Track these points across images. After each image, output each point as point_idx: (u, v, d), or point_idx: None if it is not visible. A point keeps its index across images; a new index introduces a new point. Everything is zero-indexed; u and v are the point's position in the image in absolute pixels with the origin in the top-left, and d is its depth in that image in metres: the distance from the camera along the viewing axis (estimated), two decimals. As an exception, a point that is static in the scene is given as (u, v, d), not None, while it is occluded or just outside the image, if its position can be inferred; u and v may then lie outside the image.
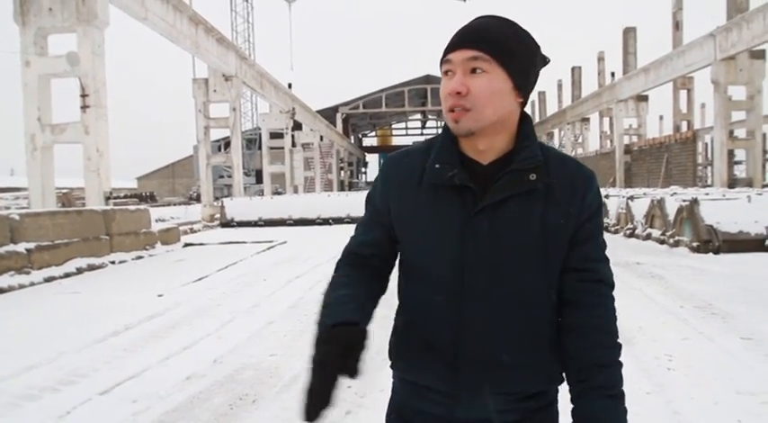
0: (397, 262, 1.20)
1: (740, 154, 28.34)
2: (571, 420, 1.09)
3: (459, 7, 47.89)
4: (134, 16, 13.95)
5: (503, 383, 1.08)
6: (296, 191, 33.21)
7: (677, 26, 30.47)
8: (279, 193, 32.08)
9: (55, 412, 3.16)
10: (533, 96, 52.65)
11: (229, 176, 36.42)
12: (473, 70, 1.03)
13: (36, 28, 11.88)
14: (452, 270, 1.06)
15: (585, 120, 43.54)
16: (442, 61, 1.07)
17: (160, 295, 6.63)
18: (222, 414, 3.15)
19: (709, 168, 33.14)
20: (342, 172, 54.76)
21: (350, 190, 48.98)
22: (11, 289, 7.33)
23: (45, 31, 12.08)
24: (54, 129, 12.35)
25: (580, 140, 45.59)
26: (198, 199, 30.60)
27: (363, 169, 71.38)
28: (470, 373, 1.07)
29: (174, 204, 35.15)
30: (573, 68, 46.96)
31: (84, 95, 12.08)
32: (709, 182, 31.16)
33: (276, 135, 32.16)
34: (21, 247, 8.01)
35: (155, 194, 43.50)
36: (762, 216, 9.33)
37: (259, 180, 39.86)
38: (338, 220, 19.14)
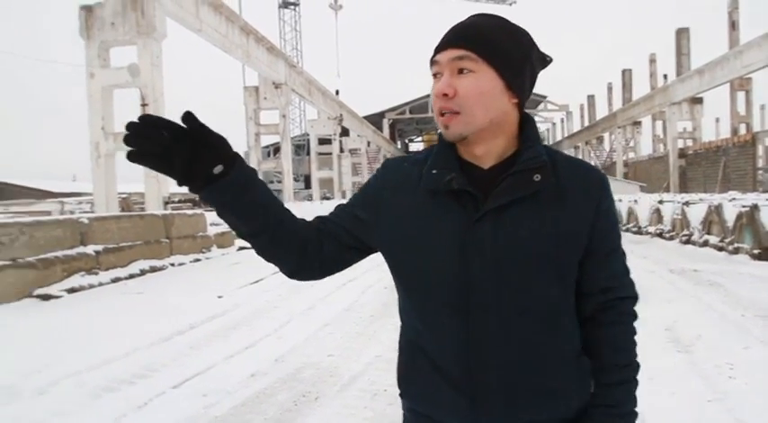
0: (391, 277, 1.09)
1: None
2: None
3: (505, 11, 47.62)
4: (189, 28, 14.52)
5: (525, 412, 0.97)
6: (344, 196, 33.61)
7: (733, 26, 29.58)
8: (327, 199, 32.55)
9: (134, 403, 3.38)
10: (582, 100, 51.71)
11: (279, 182, 37.16)
12: (460, 71, 0.97)
13: (99, 42, 12.53)
14: (455, 283, 0.96)
15: (637, 123, 42.51)
16: (431, 63, 1.01)
17: (220, 297, 6.90)
18: (287, 410, 3.31)
19: (770, 173, 31.85)
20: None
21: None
22: (81, 288, 7.74)
23: (107, 44, 12.73)
24: (116, 137, 12.95)
25: (631, 144, 44.53)
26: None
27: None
28: (488, 403, 0.96)
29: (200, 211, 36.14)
30: (623, 71, 45.97)
31: (144, 104, 12.63)
32: (769, 187, 29.99)
33: (324, 141, 32.71)
34: (90, 250, 8.46)
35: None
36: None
37: (307, 185, 40.54)
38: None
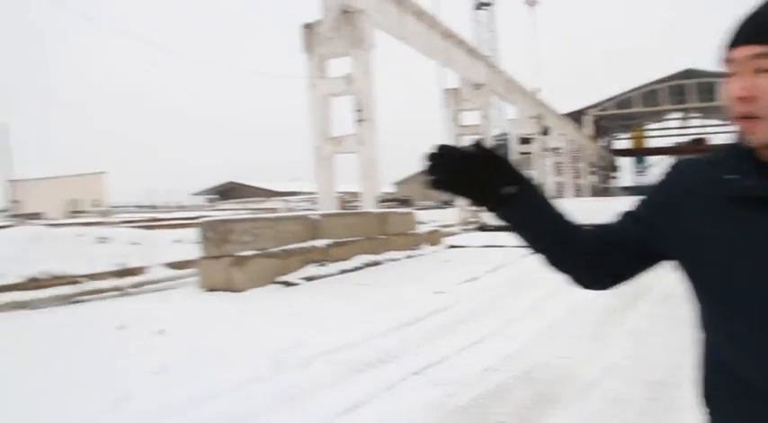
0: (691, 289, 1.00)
1: None
2: None
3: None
4: (395, 36, 15.30)
5: None
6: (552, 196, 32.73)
7: None
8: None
9: (382, 384, 3.69)
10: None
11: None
12: (762, 70, 0.86)
13: (318, 55, 13.77)
14: (762, 296, 0.88)
15: None
16: (724, 60, 0.91)
17: (440, 292, 7.17)
18: (525, 407, 3.34)
19: None
20: (593, 176, 52.17)
21: (604, 195, 46.40)
22: (315, 278, 8.62)
23: (325, 57, 13.94)
24: (334, 141, 14.14)
25: None
26: (452, 203, 31.98)
27: (612, 174, 66.96)
28: None
29: (429, 208, 37.23)
30: None
31: (358, 110, 13.60)
32: None
33: (524, 140, 32.09)
34: (321, 243, 9.38)
35: (411, 198, 46.61)
36: None
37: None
38: (594, 227, 18.34)
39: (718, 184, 0.93)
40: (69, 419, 3.21)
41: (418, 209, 35.38)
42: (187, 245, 10.70)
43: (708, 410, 0.98)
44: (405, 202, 41.56)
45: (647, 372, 3.89)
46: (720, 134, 65.59)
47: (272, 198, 44.80)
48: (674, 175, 1.02)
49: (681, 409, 3.12)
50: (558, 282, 4.90)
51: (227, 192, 59.13)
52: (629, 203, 1.06)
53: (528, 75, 41.50)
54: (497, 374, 3.92)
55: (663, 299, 6.44)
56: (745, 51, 0.87)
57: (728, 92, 0.89)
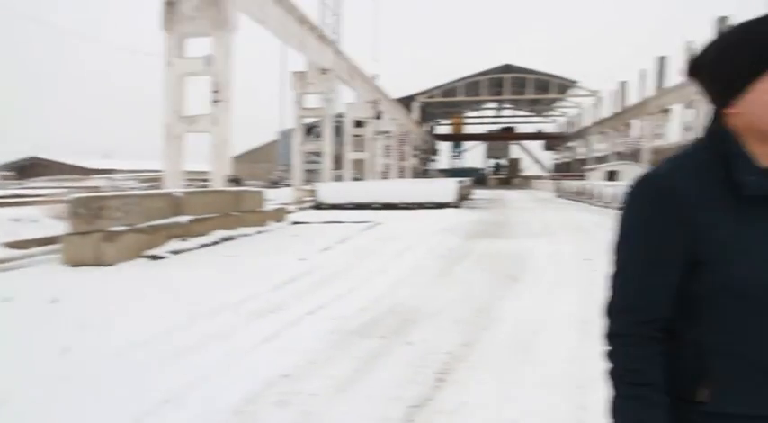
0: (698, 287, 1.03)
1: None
2: None
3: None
4: (256, 20, 15.83)
5: None
6: (375, 177, 34.92)
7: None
8: (357, 179, 33.87)
9: (286, 322, 4.79)
10: (615, 85, 52.11)
11: (311, 162, 38.59)
12: None
13: (178, 34, 13.90)
14: None
15: (667, 111, 42.86)
16: None
17: (302, 259, 8.29)
18: (396, 327, 4.67)
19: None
20: (415, 159, 56.17)
21: (423, 177, 50.35)
22: (179, 252, 9.21)
23: (185, 35, 14.09)
24: (188, 120, 14.40)
25: (660, 132, 44.89)
26: (280, 183, 32.86)
27: (433, 157, 72.55)
28: None
29: (260, 188, 37.63)
30: (660, 58, 45.94)
31: (215, 91, 14.03)
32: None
33: (358, 123, 33.91)
34: (183, 219, 9.93)
35: (241, 178, 46.34)
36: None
37: (337, 166, 41.90)
38: (420, 206, 20.58)
39: (737, 186, 0.98)
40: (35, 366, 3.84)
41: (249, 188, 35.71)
42: (29, 224, 10.55)
43: (714, 396, 1.01)
44: (235, 181, 41.29)
45: (473, 303, 5.49)
46: (525, 124, 74.25)
47: (92, 176, 41.65)
48: (659, 194, 1.02)
49: (494, 322, 4.68)
50: (398, 249, 6.68)
51: (29, 168, 52.88)
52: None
53: (369, 61, 43.30)
54: (370, 311, 5.22)
55: (478, 258, 8.31)
56: None
57: None
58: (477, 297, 5.75)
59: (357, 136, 34.99)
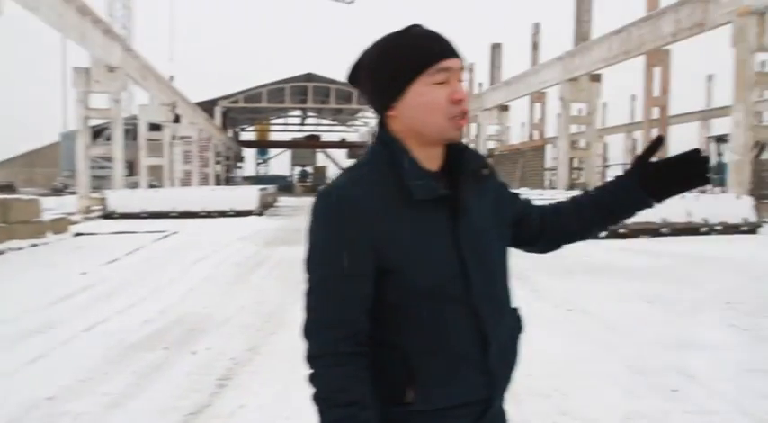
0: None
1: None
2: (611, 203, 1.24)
3: (342, 9, 49.36)
4: (25, 6, 14.11)
5: (514, 358, 1.17)
6: (174, 184, 33.17)
7: (535, 47, 34.40)
8: (154, 187, 31.87)
9: (61, 339, 4.43)
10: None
11: (101, 168, 35.38)
12: (460, 79, 1.06)
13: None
14: (458, 278, 1.05)
15: (506, 108, 46.97)
16: (435, 68, 1.03)
17: (84, 273, 7.65)
18: (181, 338, 4.59)
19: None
20: (218, 166, 54.38)
21: (226, 184, 48.99)
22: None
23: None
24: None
25: (492, 132, 49.02)
26: (65, 190, 29.59)
27: (240, 163, 70.98)
28: (497, 369, 1.09)
29: (40, 196, 33.49)
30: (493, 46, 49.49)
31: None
32: (554, 185, 35.46)
33: (153, 127, 31.92)
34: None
35: (13, 184, 40.73)
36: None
37: (132, 172, 38.98)
38: (222, 214, 20.08)
39: (405, 192, 1.03)
40: None
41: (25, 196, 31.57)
42: None
43: (414, 394, 1.04)
44: (7, 188, 36.26)
45: (263, 308, 5.59)
46: (330, 132, 76.16)
47: None
48: (341, 207, 1.02)
49: (283, 327, 4.84)
50: (193, 259, 6.66)
51: None
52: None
53: (164, 61, 40.86)
54: (155, 323, 5.04)
55: (275, 265, 8.44)
56: (458, 63, 1.05)
57: (451, 95, 1.03)
58: (268, 303, 5.86)
59: (154, 140, 32.91)
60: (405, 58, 1.03)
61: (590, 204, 1.26)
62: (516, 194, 1.26)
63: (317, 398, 1.03)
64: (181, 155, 36.97)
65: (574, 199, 1.29)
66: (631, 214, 1.26)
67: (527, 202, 1.29)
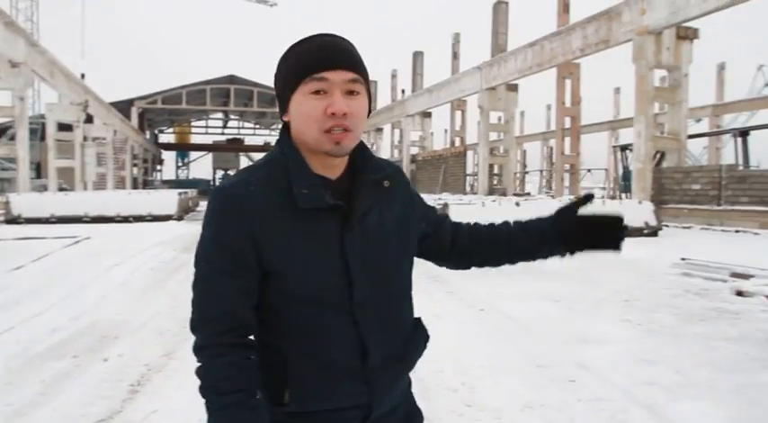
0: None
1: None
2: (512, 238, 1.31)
3: (265, 10, 48.67)
4: None
5: (403, 370, 1.17)
6: (86, 187, 31.59)
7: (455, 56, 35.37)
8: (64, 190, 30.24)
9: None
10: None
11: (4, 169, 33.19)
12: (350, 92, 1.04)
13: None
14: (342, 288, 1.06)
15: (379, 130, 47.69)
16: (310, 78, 1.03)
17: (-16, 281, 7.21)
18: (92, 345, 4.45)
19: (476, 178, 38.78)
20: (136, 169, 52.23)
21: (144, 187, 47.14)
22: None
23: None
24: None
25: (374, 149, 49.65)
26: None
27: (159, 167, 68.50)
28: (377, 379, 1.09)
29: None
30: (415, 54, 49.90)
31: None
32: (475, 190, 36.56)
33: (64, 127, 30.31)
34: None
35: None
36: (489, 217, 12.55)
37: (39, 174, 36.78)
38: (139, 219, 19.35)
39: (293, 198, 1.04)
40: None
41: None
42: None
43: (289, 396, 1.07)
44: None
45: (180, 313, 5.51)
46: (254, 136, 74.87)
47: None
48: (230, 202, 1.04)
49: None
50: (107, 265, 6.47)
51: None
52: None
53: (75, 58, 38.76)
54: (64, 332, 4.86)
55: (193, 271, 8.26)
56: (341, 76, 1.03)
57: (324, 108, 1.03)
58: (186, 308, 5.70)
59: (64, 141, 31.24)
60: (290, 68, 1.07)
61: (505, 239, 1.30)
62: (431, 208, 1.29)
63: (203, 388, 1.05)
64: (94, 157, 35.23)
65: (492, 227, 1.33)
66: (543, 258, 1.30)
67: (443, 217, 1.31)
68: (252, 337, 1.09)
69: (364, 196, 1.09)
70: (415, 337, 1.20)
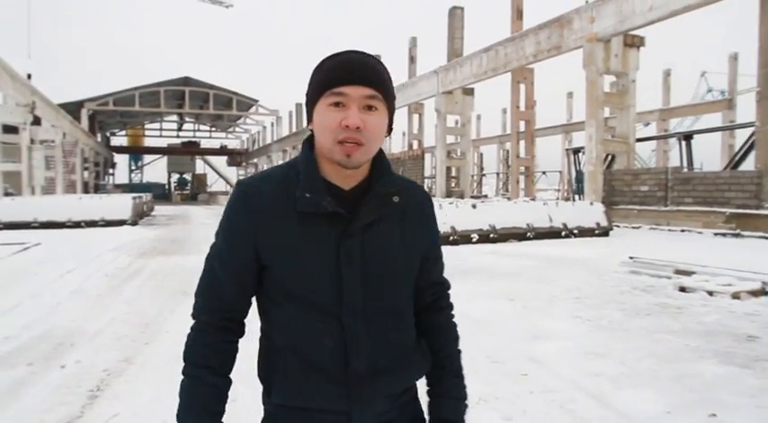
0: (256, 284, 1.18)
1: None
2: (432, 401, 1.27)
3: (221, 11, 48.09)
4: None
5: (389, 387, 1.16)
6: (33, 191, 30.53)
7: (412, 60, 35.66)
8: (10, 195, 29.16)
9: None
10: (291, 107, 55.57)
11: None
12: (368, 107, 1.09)
13: None
14: (332, 293, 1.09)
15: None
16: (330, 91, 1.08)
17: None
18: (47, 353, 4.38)
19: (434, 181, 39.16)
20: (86, 173, 50.72)
21: (96, 192, 45.83)
22: None
23: None
24: None
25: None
26: None
27: (111, 170, 66.67)
28: (359, 388, 1.10)
29: None
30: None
31: None
32: (433, 193, 36.95)
33: (9, 129, 29.26)
34: None
35: None
36: (446, 220, 12.74)
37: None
38: (91, 224, 18.87)
39: (297, 202, 1.10)
40: None
41: None
42: None
43: (273, 387, 1.13)
44: None
45: (138, 319, 5.46)
46: (209, 139, 73.71)
47: None
48: (244, 201, 1.13)
49: (159, 336, 4.79)
50: (59, 272, 6.37)
51: None
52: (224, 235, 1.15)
53: (21, 58, 37.37)
54: (16, 340, 4.76)
55: (151, 276, 8.21)
56: (359, 91, 1.08)
57: (339, 120, 1.08)
58: (144, 314, 5.73)
59: (9, 144, 30.18)
60: (315, 80, 1.13)
61: (434, 382, 1.28)
62: (436, 246, 1.28)
63: (185, 356, 1.16)
64: (42, 160, 34.08)
65: (441, 359, 1.29)
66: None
67: (436, 260, 1.29)
68: (240, 323, 1.19)
69: (371, 208, 1.13)
70: (411, 360, 1.20)
